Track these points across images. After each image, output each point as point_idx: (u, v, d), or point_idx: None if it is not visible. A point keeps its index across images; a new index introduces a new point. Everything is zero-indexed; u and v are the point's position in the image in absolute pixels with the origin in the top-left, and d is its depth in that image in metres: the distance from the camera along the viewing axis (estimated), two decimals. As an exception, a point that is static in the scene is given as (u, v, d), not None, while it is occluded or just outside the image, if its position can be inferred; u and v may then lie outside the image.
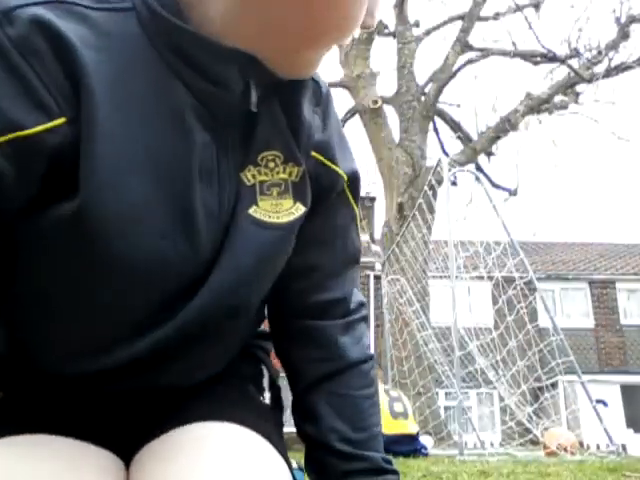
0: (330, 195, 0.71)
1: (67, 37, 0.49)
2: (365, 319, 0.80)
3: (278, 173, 0.63)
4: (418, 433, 5.08)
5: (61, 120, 0.50)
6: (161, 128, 0.55)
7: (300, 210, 0.65)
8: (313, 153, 0.67)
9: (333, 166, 0.70)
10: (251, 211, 0.61)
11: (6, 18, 0.46)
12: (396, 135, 10.19)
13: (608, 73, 10.66)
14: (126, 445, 0.66)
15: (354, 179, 0.73)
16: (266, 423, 0.71)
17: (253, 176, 0.62)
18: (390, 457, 0.74)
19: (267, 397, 0.79)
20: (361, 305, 0.79)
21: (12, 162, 0.49)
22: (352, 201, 0.75)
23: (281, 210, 0.63)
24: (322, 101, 0.69)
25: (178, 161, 0.56)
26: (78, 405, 0.68)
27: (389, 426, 4.61)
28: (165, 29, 0.53)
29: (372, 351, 0.79)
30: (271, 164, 0.63)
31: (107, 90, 0.51)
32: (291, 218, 0.64)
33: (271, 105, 0.62)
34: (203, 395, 0.70)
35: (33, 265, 0.57)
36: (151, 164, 0.54)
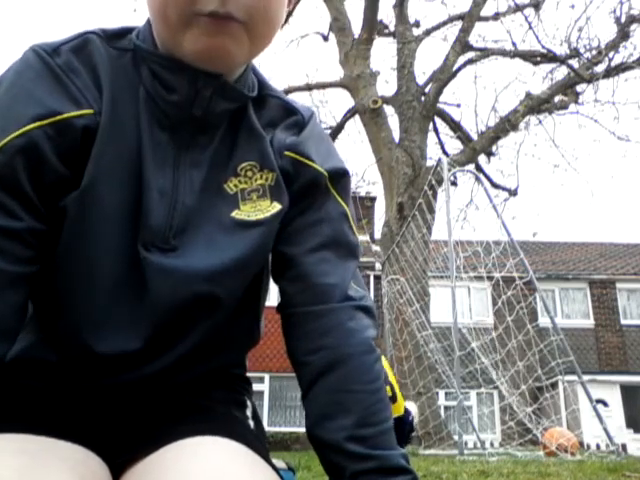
0: (313, 190, 0.80)
1: (96, 60, 0.72)
2: (368, 310, 0.79)
3: (256, 180, 0.76)
4: (406, 410, 4.99)
5: (89, 111, 0.70)
6: (130, 128, 0.72)
7: (276, 208, 0.76)
8: (286, 153, 0.78)
9: (309, 162, 0.79)
10: (234, 214, 0.74)
11: (55, 52, 0.71)
12: (396, 135, 10.20)
13: (608, 73, 10.66)
14: (111, 454, 0.67)
15: (337, 176, 0.81)
16: (253, 438, 0.72)
17: (235, 185, 0.75)
18: (405, 452, 0.72)
19: (251, 425, 0.79)
20: (363, 296, 0.80)
21: (54, 143, 0.67)
22: (338, 198, 0.82)
23: (260, 209, 0.76)
24: (302, 124, 0.81)
25: (135, 152, 0.72)
26: (69, 408, 0.69)
27: None
28: (142, 54, 0.74)
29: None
30: (249, 173, 0.76)
31: (112, 96, 0.72)
32: (267, 215, 0.76)
33: (243, 124, 0.77)
34: (189, 414, 0.72)
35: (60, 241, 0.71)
36: (123, 156, 0.71)
